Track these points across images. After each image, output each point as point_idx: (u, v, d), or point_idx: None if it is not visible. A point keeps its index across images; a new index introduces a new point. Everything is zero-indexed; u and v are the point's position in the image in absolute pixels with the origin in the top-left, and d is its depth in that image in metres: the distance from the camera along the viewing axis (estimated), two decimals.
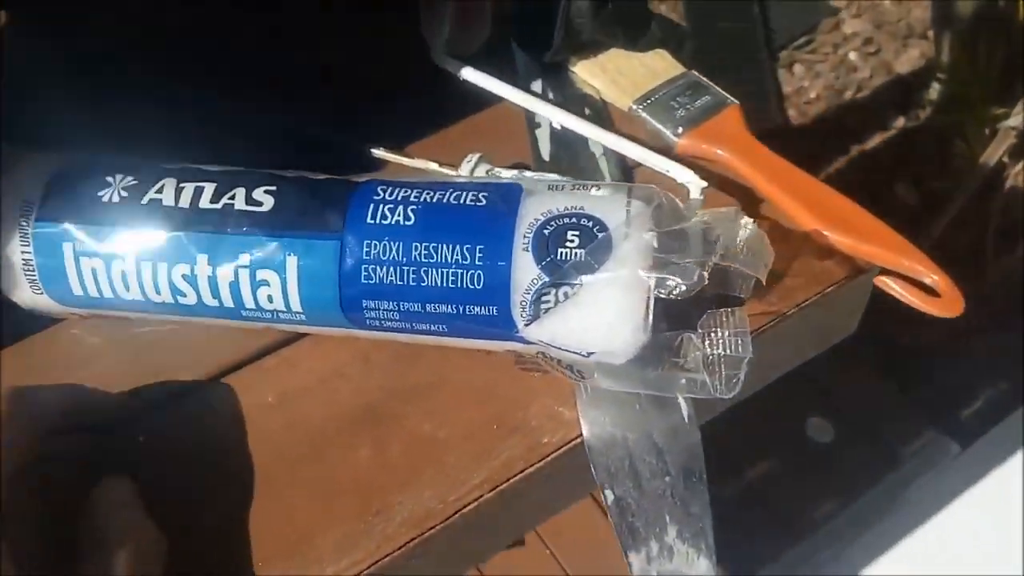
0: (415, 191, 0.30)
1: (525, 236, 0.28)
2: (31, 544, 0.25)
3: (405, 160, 0.39)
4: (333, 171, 0.32)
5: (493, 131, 0.41)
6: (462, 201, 0.30)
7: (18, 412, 0.26)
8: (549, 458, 0.31)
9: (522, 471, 0.31)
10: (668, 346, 0.29)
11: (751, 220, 0.29)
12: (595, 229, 0.28)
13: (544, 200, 0.29)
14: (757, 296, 0.34)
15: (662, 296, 0.27)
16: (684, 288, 0.27)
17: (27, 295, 0.32)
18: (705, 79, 0.40)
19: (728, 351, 0.29)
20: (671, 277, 0.27)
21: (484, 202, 0.30)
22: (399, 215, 0.29)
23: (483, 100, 0.41)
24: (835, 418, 1.29)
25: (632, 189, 0.29)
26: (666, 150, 0.38)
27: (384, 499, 0.30)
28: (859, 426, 1.29)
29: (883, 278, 0.33)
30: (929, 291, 0.33)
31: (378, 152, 0.39)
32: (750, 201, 0.37)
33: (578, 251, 0.28)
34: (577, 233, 0.28)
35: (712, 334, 0.29)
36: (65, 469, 0.28)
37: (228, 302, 0.31)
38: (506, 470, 0.31)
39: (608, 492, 0.30)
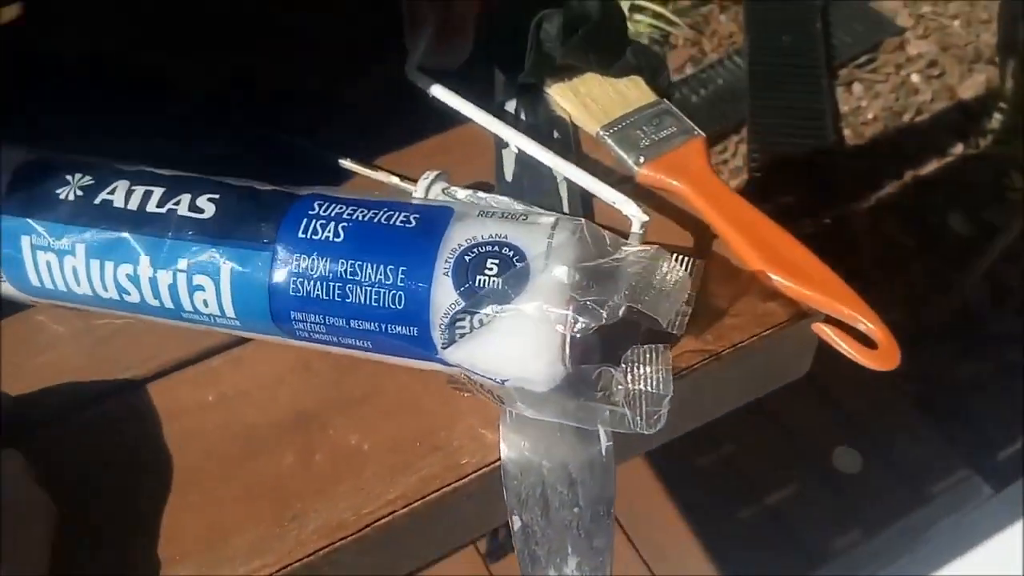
0: (349, 208, 0.31)
1: (447, 261, 0.29)
2: None
3: (369, 172, 0.39)
4: (302, 180, 0.33)
5: (463, 147, 0.41)
6: (392, 222, 0.30)
7: None
8: (466, 479, 0.31)
9: (438, 490, 0.31)
10: (589, 379, 0.30)
11: (676, 263, 0.29)
12: (514, 259, 0.29)
13: (471, 226, 0.30)
14: (694, 334, 0.33)
15: (566, 333, 0.27)
16: (584, 326, 0.27)
17: None
18: (676, 109, 0.40)
19: (650, 388, 0.29)
20: (574, 315, 0.27)
21: (412, 224, 0.30)
22: (329, 231, 0.30)
23: (461, 116, 0.41)
24: (865, 449, 1.26)
25: (558, 221, 0.30)
26: (628, 179, 0.38)
27: (301, 506, 0.31)
28: (889, 459, 1.26)
29: (820, 325, 0.33)
30: (870, 343, 0.32)
31: (345, 163, 0.40)
32: (704, 236, 0.37)
33: (495, 280, 0.28)
34: (497, 261, 0.29)
35: (636, 369, 0.30)
36: None
37: (168, 303, 0.32)
38: (422, 487, 0.31)
39: (515, 518, 0.30)
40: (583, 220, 0.30)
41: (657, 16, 1.72)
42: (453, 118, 0.41)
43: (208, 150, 0.37)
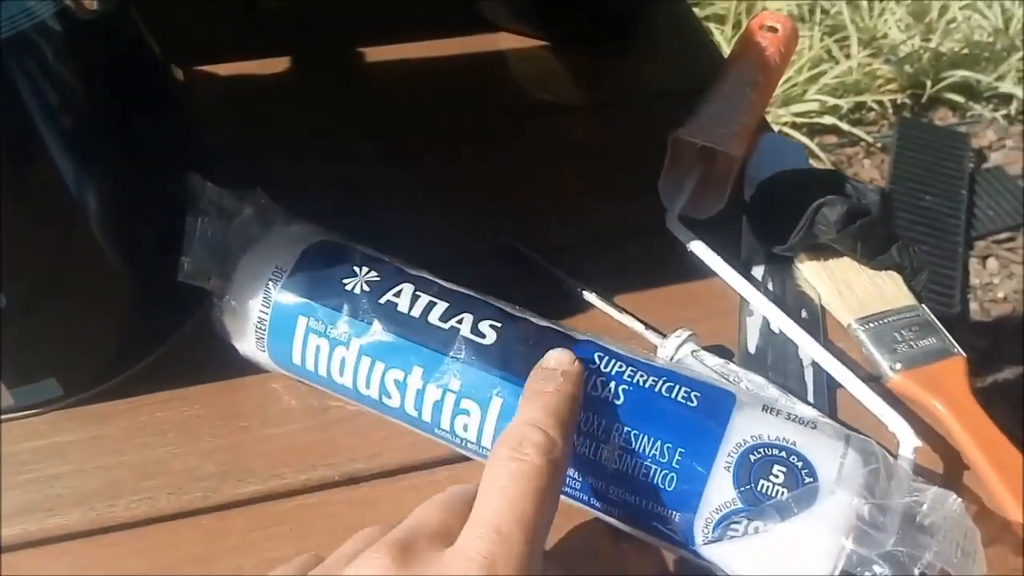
0: (629, 368, 0.30)
1: (730, 454, 0.28)
2: None
3: (613, 312, 0.39)
4: (540, 299, 0.34)
5: (705, 304, 0.41)
6: (673, 395, 0.30)
7: None
8: None
9: None
10: None
11: (965, 512, 0.27)
12: (804, 472, 0.28)
13: (756, 421, 0.29)
14: None
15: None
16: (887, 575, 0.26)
17: (250, 348, 0.35)
18: (936, 320, 0.39)
19: None
20: (877, 561, 0.26)
21: (695, 403, 0.30)
22: (609, 390, 0.30)
23: (704, 268, 0.41)
24: None
25: (850, 439, 0.29)
26: (874, 380, 0.37)
27: None
28: None
29: None
30: None
31: (589, 296, 0.40)
32: (953, 464, 0.35)
33: (781, 489, 0.27)
34: (784, 470, 0.28)
35: None
36: None
37: (427, 417, 0.32)
38: None
39: None
40: (875, 444, 0.29)
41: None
42: (698, 269, 0.41)
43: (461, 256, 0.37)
